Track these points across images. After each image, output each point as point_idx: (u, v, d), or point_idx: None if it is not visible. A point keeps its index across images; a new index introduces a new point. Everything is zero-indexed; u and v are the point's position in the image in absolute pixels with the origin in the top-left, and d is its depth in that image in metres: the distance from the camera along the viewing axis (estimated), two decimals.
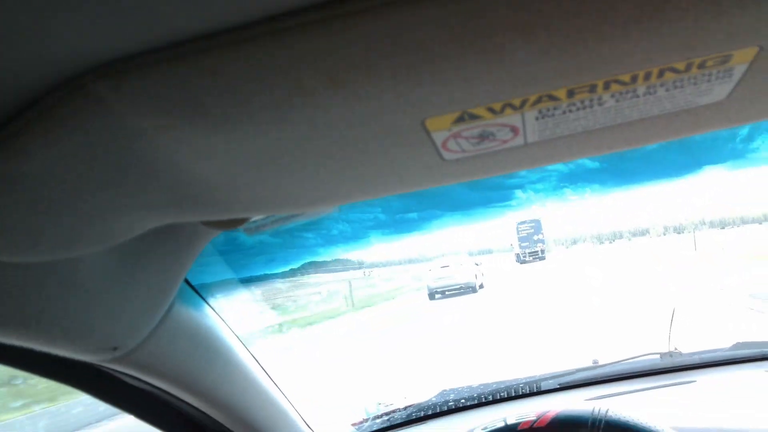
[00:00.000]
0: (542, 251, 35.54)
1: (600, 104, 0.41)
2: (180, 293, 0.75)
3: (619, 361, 1.72)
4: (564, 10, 0.30)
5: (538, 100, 0.39)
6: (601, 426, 1.02)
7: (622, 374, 1.67)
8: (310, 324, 13.51)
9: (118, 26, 0.29)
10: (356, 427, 1.65)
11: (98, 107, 0.33)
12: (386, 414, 1.69)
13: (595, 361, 1.75)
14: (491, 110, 0.39)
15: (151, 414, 0.87)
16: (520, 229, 36.37)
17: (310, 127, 0.38)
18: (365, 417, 1.70)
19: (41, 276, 0.52)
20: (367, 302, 18.52)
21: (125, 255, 0.58)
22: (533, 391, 1.67)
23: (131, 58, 0.31)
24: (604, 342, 6.15)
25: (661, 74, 0.38)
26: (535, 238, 35.97)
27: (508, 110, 0.39)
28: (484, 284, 16.81)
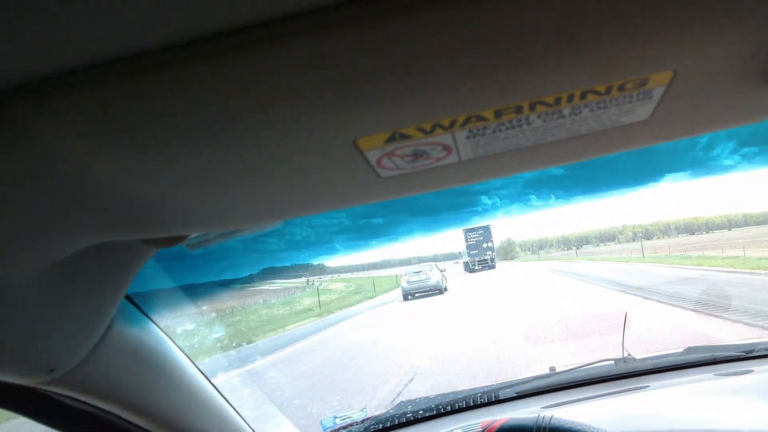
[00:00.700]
0: (492, 259, 35.57)
1: (528, 124, 0.42)
2: (121, 310, 0.73)
3: (574, 369, 1.74)
4: (486, 36, 0.31)
5: (467, 121, 0.40)
6: (547, 430, 1.05)
7: (578, 381, 1.70)
8: (268, 332, 13.30)
9: (40, 46, 0.28)
10: None
11: (19, 128, 0.32)
12: (343, 428, 1.65)
13: (552, 369, 1.77)
14: (421, 130, 0.40)
15: None
16: (468, 237, 36.27)
17: (242, 148, 0.38)
18: None
19: None
20: (332, 307, 18.83)
21: (59, 274, 0.56)
22: (491, 400, 1.67)
23: (54, 79, 0.30)
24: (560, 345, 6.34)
25: (583, 96, 0.39)
26: (485, 245, 35.88)
27: (438, 130, 0.40)
28: (447, 287, 19.41)
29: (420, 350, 8.04)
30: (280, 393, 6.28)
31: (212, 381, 0.99)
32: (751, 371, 1.59)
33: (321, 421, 1.71)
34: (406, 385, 5.90)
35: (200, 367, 0.96)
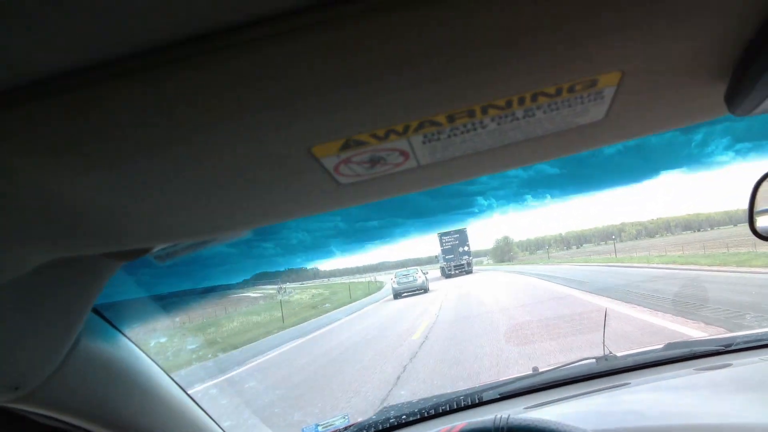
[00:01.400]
0: (468, 264, 35.39)
1: (483, 127, 0.42)
2: (89, 325, 0.72)
3: (557, 368, 1.75)
4: (432, 44, 0.31)
5: (420, 126, 0.40)
6: (505, 431, 1.07)
7: (561, 380, 1.70)
8: (245, 342, 13.12)
9: None
10: None
11: None
12: None
13: (534, 369, 1.77)
14: (375, 136, 0.40)
15: None
16: (443, 241, 36.05)
17: (194, 161, 0.38)
18: None
19: None
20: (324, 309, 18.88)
21: (19, 291, 0.55)
22: (474, 402, 1.66)
23: None
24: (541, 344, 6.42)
25: (534, 98, 0.40)
26: (461, 249, 35.69)
27: (393, 136, 0.40)
28: (428, 288, 23.22)
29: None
30: (260, 402, 6.21)
31: (189, 392, 0.97)
32: (730, 365, 1.61)
33: (302, 429, 1.69)
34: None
35: (175, 379, 0.94)
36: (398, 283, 22.91)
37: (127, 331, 0.82)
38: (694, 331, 6.14)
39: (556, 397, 1.60)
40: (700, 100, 0.50)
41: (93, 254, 0.55)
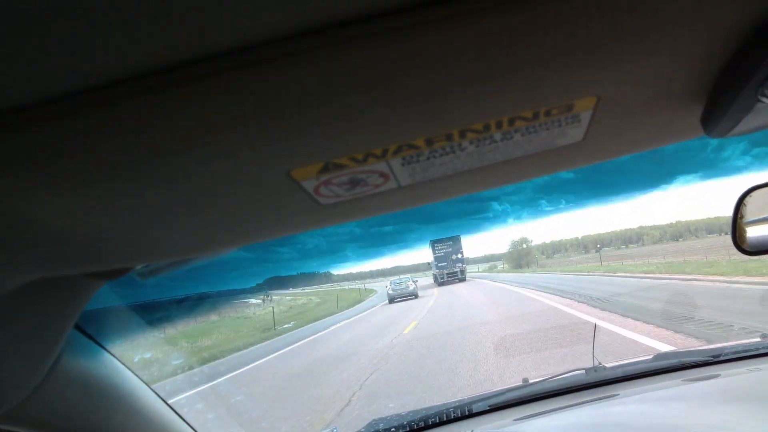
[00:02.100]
0: (462, 272, 35.42)
1: (462, 149, 0.43)
2: (71, 341, 0.72)
3: (547, 379, 1.74)
4: (408, 69, 0.31)
5: (399, 149, 0.40)
6: None
7: (551, 392, 1.70)
8: (232, 351, 12.94)
9: None
10: None
11: None
12: None
13: (525, 380, 1.77)
14: (354, 159, 0.40)
15: None
16: (436, 249, 36.06)
17: (172, 183, 0.38)
18: None
19: None
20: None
21: (0, 310, 0.54)
22: (464, 414, 1.65)
23: None
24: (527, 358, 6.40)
25: (511, 122, 0.40)
26: (454, 257, 35.69)
27: (372, 159, 0.40)
28: (418, 294, 26.81)
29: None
30: (247, 416, 6.14)
31: (173, 406, 0.96)
32: (718, 375, 1.62)
33: None
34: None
35: (160, 393, 0.92)
36: (393, 289, 26.66)
37: (110, 345, 0.81)
38: None
39: (546, 409, 1.59)
40: (677, 122, 0.51)
41: (74, 274, 0.55)
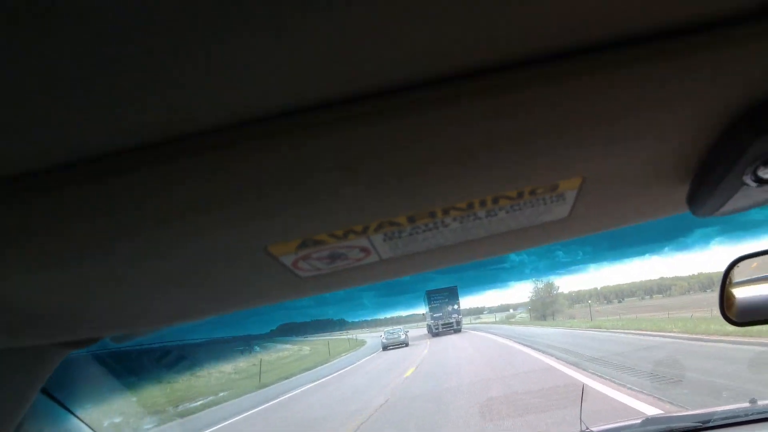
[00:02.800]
0: (457, 323, 34.84)
1: (445, 226, 0.42)
2: (38, 407, 0.70)
3: None
4: (383, 150, 0.31)
5: (380, 226, 0.40)
6: None
7: None
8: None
9: None
10: None
11: None
12: None
13: None
14: (334, 236, 0.40)
15: None
16: (431, 299, 35.66)
17: (144, 259, 0.37)
18: None
19: None
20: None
21: None
22: None
23: None
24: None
25: (495, 201, 0.40)
26: (449, 308, 35.21)
27: (352, 235, 0.40)
28: (408, 343, 28.18)
29: None
30: None
31: None
32: None
33: None
34: None
35: None
36: (386, 338, 28.45)
37: (79, 410, 0.78)
38: None
39: None
40: (663, 200, 0.51)
41: (44, 344, 0.53)
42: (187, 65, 0.24)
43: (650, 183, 0.46)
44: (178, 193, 0.31)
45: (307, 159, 0.31)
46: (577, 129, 0.34)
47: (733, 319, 1.18)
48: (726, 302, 1.19)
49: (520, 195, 0.40)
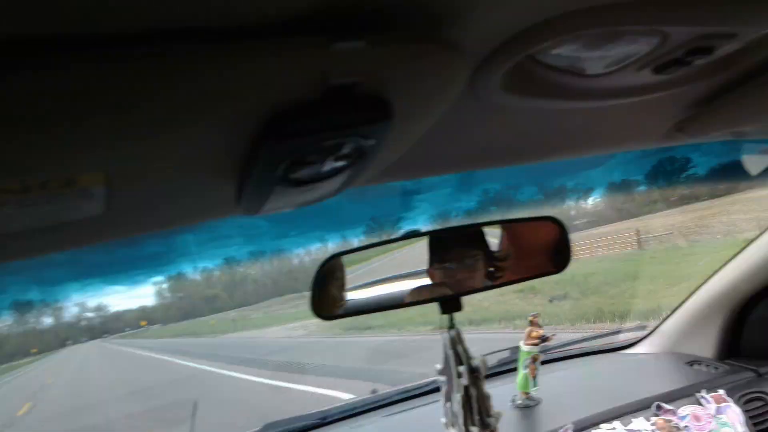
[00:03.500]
0: None
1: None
2: None
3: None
4: None
5: None
6: None
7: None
8: None
9: None
10: None
11: None
12: None
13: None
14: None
15: None
16: None
17: None
18: None
19: None
20: None
21: None
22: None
23: None
24: None
25: None
26: None
27: None
28: None
29: None
30: None
31: None
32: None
33: None
34: None
35: None
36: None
37: None
38: None
39: None
40: (213, 199, 0.54)
41: None
42: None
43: (203, 179, 0.48)
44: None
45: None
46: (98, 117, 0.32)
47: (325, 314, 0.99)
48: (323, 298, 0.98)
49: (27, 189, 0.37)
